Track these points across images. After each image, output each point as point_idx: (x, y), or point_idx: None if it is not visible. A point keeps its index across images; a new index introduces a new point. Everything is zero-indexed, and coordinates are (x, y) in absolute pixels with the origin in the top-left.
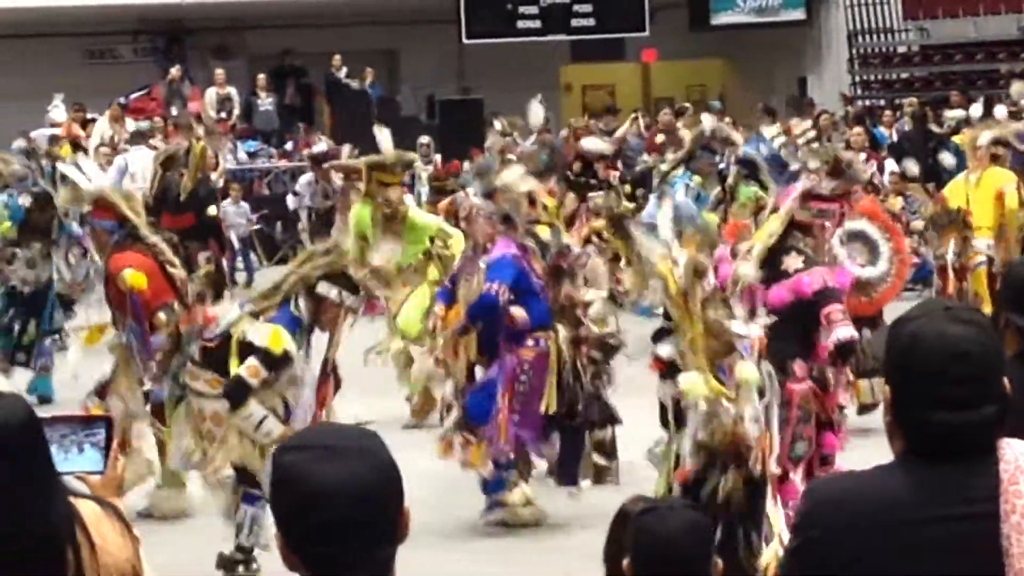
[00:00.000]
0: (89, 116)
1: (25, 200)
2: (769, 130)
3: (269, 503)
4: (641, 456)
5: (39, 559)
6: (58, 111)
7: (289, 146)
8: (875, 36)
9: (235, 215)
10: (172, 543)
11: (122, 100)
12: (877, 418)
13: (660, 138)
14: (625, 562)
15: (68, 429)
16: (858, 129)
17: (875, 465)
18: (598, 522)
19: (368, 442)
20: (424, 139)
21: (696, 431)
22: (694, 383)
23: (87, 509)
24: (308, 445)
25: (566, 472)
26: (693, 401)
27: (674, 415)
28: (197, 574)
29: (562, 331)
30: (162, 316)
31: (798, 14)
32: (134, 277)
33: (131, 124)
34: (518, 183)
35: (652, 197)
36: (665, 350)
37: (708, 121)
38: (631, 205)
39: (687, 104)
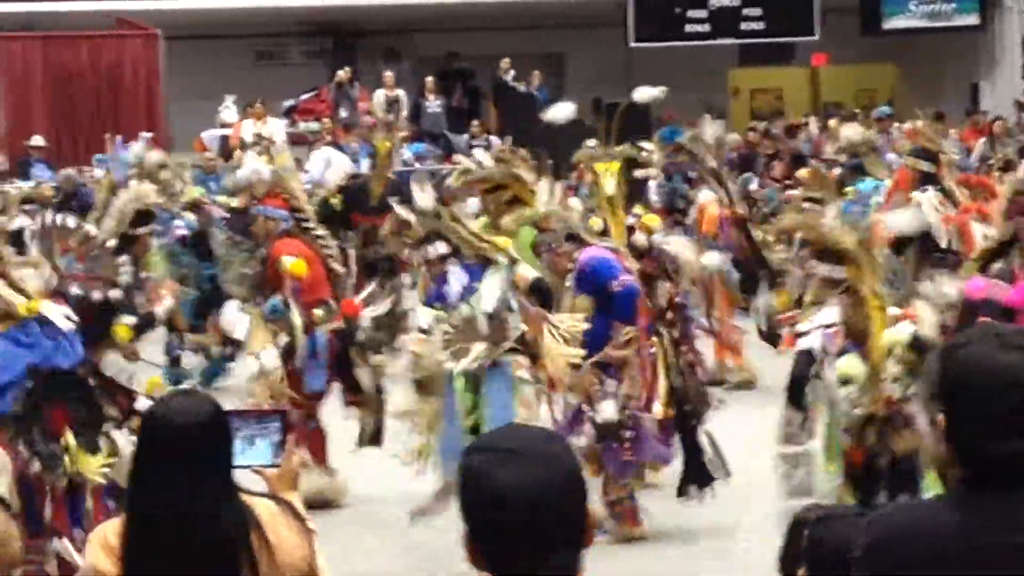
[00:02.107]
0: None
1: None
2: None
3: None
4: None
5: (214, 560)
6: (229, 112)
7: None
8: None
9: None
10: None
11: (291, 102)
12: None
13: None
14: (801, 572)
15: (242, 422)
16: None
17: (934, 495)
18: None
19: (553, 447)
20: (591, 142)
21: (849, 408)
22: (851, 366)
23: (262, 508)
24: (494, 447)
25: (690, 479)
26: (848, 382)
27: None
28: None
29: (665, 333)
30: (319, 313)
31: (972, 19)
32: (295, 265)
33: (300, 126)
34: (557, 204)
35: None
36: (804, 326)
37: (848, 132)
38: None
39: (856, 109)
